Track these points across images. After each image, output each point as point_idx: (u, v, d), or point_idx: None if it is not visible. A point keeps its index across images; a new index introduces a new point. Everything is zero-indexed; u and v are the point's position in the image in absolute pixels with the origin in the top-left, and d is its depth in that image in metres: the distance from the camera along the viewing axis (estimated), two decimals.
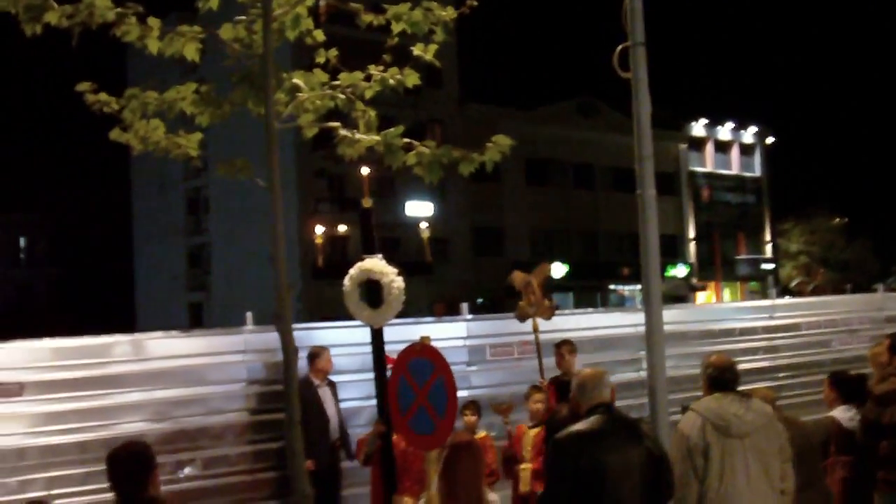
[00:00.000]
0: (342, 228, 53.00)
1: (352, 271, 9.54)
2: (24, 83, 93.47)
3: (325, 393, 10.91)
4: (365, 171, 10.39)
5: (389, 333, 10.00)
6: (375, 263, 9.49)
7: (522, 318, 11.23)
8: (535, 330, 11.14)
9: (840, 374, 9.39)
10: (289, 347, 6.44)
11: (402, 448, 9.32)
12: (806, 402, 13.45)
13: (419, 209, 58.28)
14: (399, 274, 9.47)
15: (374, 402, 9.76)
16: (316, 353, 10.80)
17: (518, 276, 11.20)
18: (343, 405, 11.05)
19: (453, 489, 6.61)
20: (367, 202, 10.07)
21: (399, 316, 10.18)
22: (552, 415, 9.46)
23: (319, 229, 10.61)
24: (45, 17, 6.48)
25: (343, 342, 11.04)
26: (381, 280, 9.40)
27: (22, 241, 77.65)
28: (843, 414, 8.90)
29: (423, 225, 10.52)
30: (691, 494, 6.84)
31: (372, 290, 9.56)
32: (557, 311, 11.41)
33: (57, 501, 6.90)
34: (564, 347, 11.21)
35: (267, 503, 10.59)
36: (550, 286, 61.84)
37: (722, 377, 7.10)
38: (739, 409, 6.89)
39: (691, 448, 6.86)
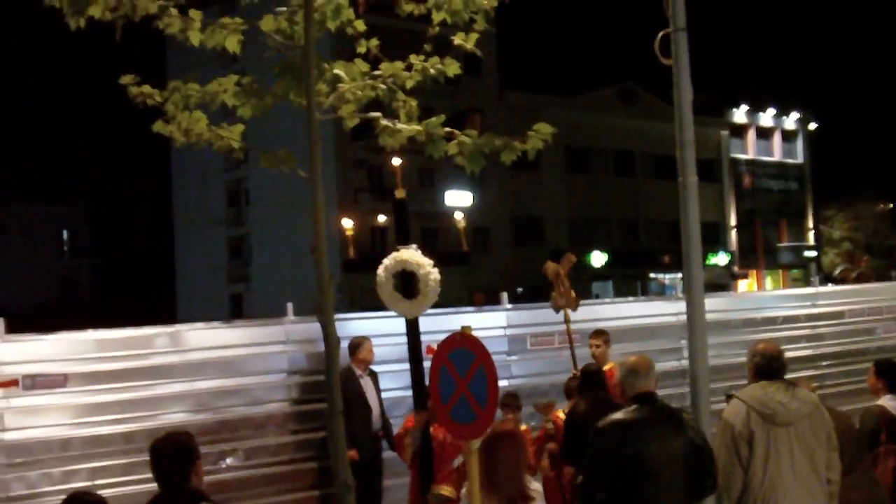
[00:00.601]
0: (382, 219, 53.04)
1: (386, 262, 9.54)
2: (68, 76, 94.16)
3: (366, 383, 10.92)
4: (396, 162, 10.43)
5: (430, 323, 10.01)
6: (412, 254, 9.49)
7: (556, 309, 11.24)
8: (567, 321, 11.14)
9: (886, 363, 9.29)
10: (331, 338, 6.45)
11: (441, 439, 9.34)
12: (850, 391, 13.35)
13: (459, 199, 58.24)
14: (434, 265, 9.48)
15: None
16: (357, 344, 10.80)
17: (550, 267, 11.21)
18: (384, 395, 11.07)
19: (493, 478, 6.61)
20: (400, 193, 10.10)
21: (438, 306, 10.19)
22: (572, 409, 9.42)
23: (348, 222, 10.56)
24: (88, 11, 6.52)
25: (383, 332, 11.03)
26: (418, 272, 9.40)
27: (65, 233, 78.30)
28: (891, 402, 8.81)
29: (459, 215, 10.53)
30: (736, 483, 6.82)
31: (407, 281, 9.56)
32: (599, 301, 11.42)
33: (100, 492, 6.94)
34: (601, 338, 11.18)
35: (309, 493, 10.64)
36: (590, 275, 61.88)
37: (769, 366, 7.06)
38: (785, 397, 6.85)
39: (735, 436, 6.84)
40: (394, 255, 9.60)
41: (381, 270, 9.56)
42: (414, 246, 9.67)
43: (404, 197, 10.33)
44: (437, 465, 9.34)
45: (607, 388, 9.41)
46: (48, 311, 56.78)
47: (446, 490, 9.17)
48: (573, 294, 11.17)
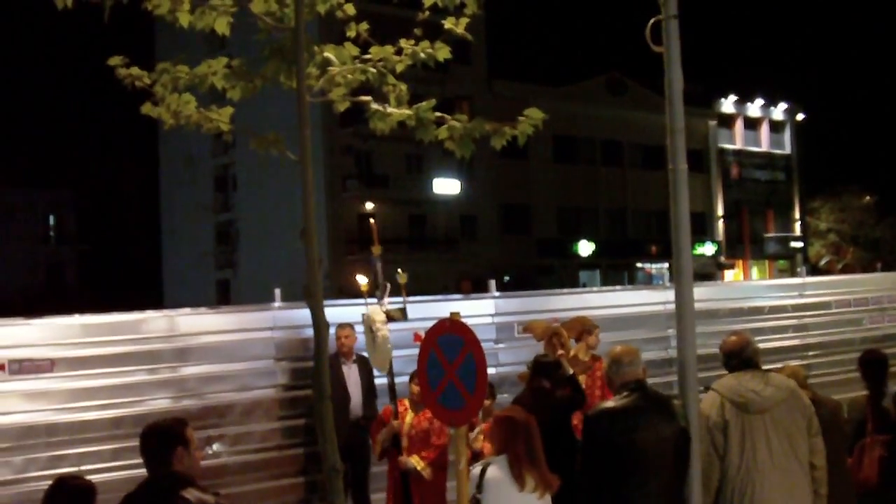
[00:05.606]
0: (369, 206, 52.98)
1: (363, 315, 10.02)
2: (54, 59, 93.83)
3: (350, 370, 10.89)
4: (372, 221, 10.58)
5: (418, 311, 10.03)
6: (374, 311, 9.73)
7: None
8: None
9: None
10: (320, 322, 6.41)
11: (424, 427, 9.47)
12: (835, 382, 13.36)
13: (447, 187, 58.26)
14: (385, 322, 9.66)
15: (401, 378, 9.82)
16: None
17: (538, 326, 10.83)
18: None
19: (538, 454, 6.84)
20: (377, 250, 10.10)
21: (427, 293, 10.16)
22: (517, 398, 9.36)
23: (363, 279, 10.38)
24: None
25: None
26: (372, 327, 9.63)
27: (51, 219, 77.93)
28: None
29: (400, 270, 10.28)
30: (714, 472, 6.87)
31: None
32: (586, 289, 11.34)
33: (88, 477, 6.90)
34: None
35: (296, 479, 10.63)
36: (577, 264, 61.86)
37: (729, 363, 7.20)
38: (758, 385, 6.90)
39: (711, 427, 6.91)
40: (363, 312, 9.88)
41: (363, 321, 10.01)
42: (376, 300, 9.80)
43: (380, 253, 10.28)
44: (419, 446, 9.48)
45: (554, 380, 9.28)
46: (34, 296, 56.66)
47: (419, 464, 9.34)
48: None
